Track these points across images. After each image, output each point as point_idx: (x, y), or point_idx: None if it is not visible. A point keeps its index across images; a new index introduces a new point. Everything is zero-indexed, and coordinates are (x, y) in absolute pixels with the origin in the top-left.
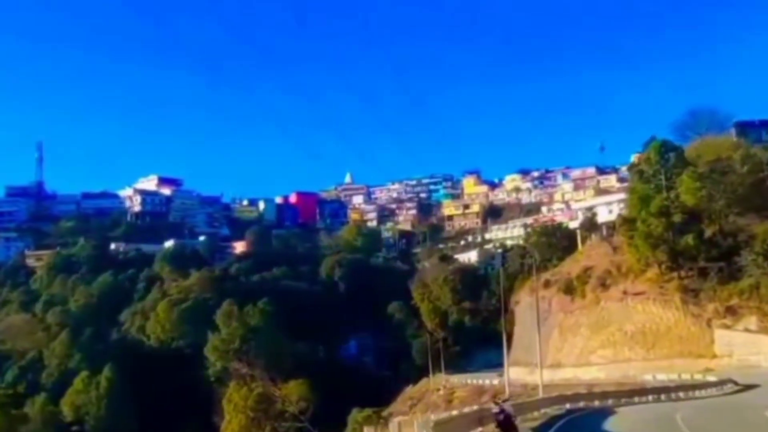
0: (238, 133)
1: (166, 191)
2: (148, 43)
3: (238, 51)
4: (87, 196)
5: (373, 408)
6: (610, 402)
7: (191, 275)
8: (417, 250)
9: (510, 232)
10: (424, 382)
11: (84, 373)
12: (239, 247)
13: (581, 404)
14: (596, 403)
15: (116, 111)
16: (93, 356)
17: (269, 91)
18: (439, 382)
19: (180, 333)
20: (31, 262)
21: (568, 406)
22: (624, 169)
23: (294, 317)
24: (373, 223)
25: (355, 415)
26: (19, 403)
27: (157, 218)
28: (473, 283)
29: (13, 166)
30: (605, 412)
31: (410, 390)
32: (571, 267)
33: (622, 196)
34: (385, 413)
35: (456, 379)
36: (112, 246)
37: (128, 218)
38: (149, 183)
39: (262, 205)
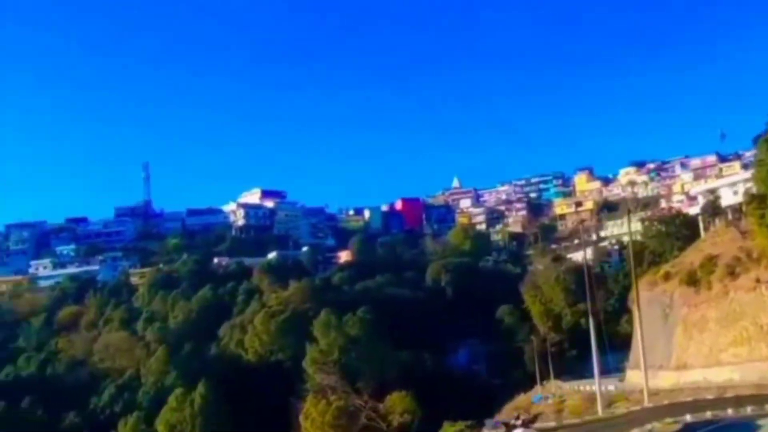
0: (342, 144)
1: (270, 204)
2: (248, 56)
3: (342, 58)
4: (192, 212)
5: (471, 420)
6: (749, 410)
7: (291, 286)
8: (528, 252)
9: (626, 228)
10: (535, 390)
11: (178, 390)
12: (344, 256)
13: (708, 415)
14: (729, 411)
15: (219, 127)
16: (189, 373)
17: (374, 98)
18: (551, 389)
19: (279, 346)
20: (134, 280)
21: (688, 418)
22: (748, 154)
23: (398, 326)
24: (481, 227)
25: (446, 428)
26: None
27: (261, 231)
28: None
29: (122, 187)
30: (745, 427)
31: (518, 399)
32: (693, 256)
33: (748, 175)
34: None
35: (569, 385)
36: (215, 260)
37: (233, 233)
38: (253, 196)
39: (367, 214)
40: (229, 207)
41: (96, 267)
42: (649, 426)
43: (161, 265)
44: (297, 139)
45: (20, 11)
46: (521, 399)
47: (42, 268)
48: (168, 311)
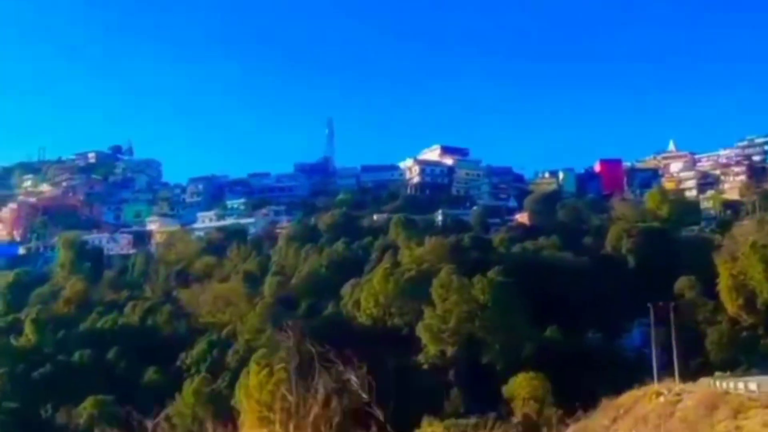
0: (545, 105)
1: (449, 161)
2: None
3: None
4: (366, 169)
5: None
6: None
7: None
8: (744, 222)
9: None
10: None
11: (260, 352)
12: (520, 219)
13: None
14: None
15: (405, 84)
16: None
17: (575, 56)
18: (680, 385)
19: (397, 309)
20: (280, 233)
21: None
22: None
23: (553, 296)
24: (692, 193)
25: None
26: None
27: (437, 190)
28: None
29: (305, 143)
30: None
31: (630, 394)
32: None
33: None
34: (572, 424)
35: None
36: (375, 217)
37: (407, 191)
38: (432, 153)
39: (561, 177)
40: (405, 164)
41: (252, 220)
42: None
43: (311, 219)
44: (494, 99)
45: None
46: (629, 394)
47: (208, 220)
48: (299, 265)
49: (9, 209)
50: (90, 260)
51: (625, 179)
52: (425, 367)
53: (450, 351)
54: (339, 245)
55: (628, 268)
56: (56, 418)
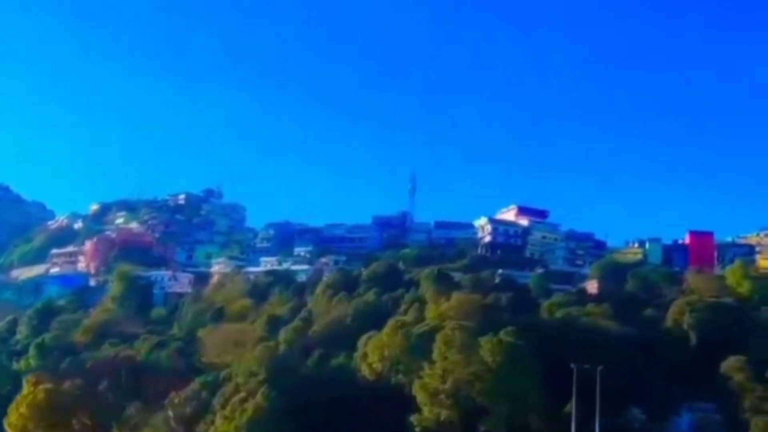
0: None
1: (525, 222)
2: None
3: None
4: (439, 225)
5: None
6: None
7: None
8: None
9: None
10: None
11: (237, 397)
12: (590, 286)
13: None
14: None
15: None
16: (281, 381)
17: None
18: None
19: (404, 366)
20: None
21: None
22: None
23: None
24: None
25: None
26: None
27: (508, 251)
28: None
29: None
30: None
31: None
32: None
33: None
34: None
35: None
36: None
37: (478, 250)
38: (509, 214)
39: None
40: (479, 222)
41: (305, 267)
42: None
43: (360, 269)
44: (591, 168)
45: None
46: None
47: (269, 265)
48: (328, 313)
49: (90, 242)
50: (140, 295)
51: (715, 254)
52: (417, 430)
53: (444, 414)
54: (370, 295)
55: (689, 345)
56: None
